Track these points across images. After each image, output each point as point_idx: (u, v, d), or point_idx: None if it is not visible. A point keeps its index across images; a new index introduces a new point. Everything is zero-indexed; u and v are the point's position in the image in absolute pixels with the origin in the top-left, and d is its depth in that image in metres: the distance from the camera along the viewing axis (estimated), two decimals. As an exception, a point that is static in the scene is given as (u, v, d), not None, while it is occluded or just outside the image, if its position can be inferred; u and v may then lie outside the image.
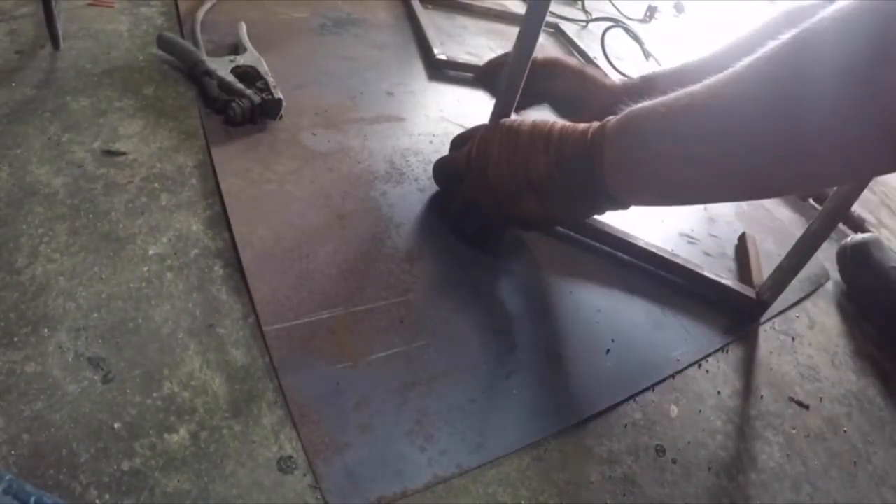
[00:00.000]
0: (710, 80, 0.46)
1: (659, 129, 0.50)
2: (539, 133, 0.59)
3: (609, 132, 0.54)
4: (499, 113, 0.69)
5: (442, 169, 0.71)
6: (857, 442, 0.65)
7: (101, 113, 0.69)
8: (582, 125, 0.57)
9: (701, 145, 0.47)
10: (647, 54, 1.41)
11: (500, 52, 1.16)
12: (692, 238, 0.86)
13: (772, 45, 0.42)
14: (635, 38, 1.45)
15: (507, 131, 0.61)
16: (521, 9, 1.34)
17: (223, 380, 0.48)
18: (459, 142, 0.71)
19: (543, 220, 0.62)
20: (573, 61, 0.85)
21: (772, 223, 0.97)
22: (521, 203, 0.60)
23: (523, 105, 0.87)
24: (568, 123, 0.59)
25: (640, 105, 0.52)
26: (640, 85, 0.79)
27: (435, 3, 1.24)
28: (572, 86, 0.83)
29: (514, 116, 0.66)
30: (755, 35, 0.73)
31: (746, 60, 0.44)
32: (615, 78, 0.87)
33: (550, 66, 0.83)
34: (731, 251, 0.86)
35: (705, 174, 0.49)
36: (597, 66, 1.20)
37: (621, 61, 1.30)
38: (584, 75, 0.83)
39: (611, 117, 0.55)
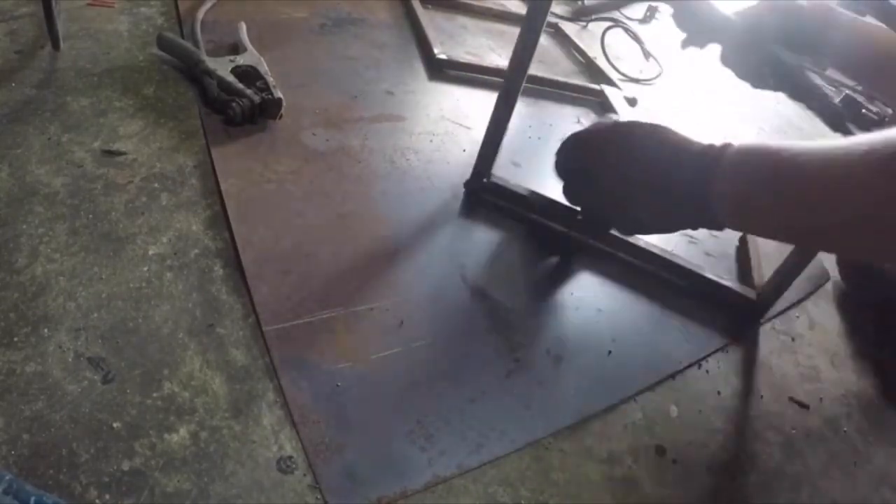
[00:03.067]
0: (826, 148, 0.47)
1: (770, 181, 0.51)
2: (662, 141, 0.57)
3: (726, 164, 0.53)
4: (498, 116, 0.69)
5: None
6: (857, 442, 0.65)
7: (101, 113, 0.69)
8: (697, 143, 0.57)
9: (804, 210, 0.49)
10: (647, 54, 1.41)
11: (500, 51, 1.16)
12: (693, 238, 0.86)
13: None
14: (635, 38, 1.45)
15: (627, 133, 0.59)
16: (521, 9, 1.34)
17: (223, 380, 0.48)
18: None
19: (643, 227, 0.62)
20: None
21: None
22: (630, 204, 0.59)
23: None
24: (681, 136, 0.57)
25: (756, 145, 0.53)
26: None
27: (435, 3, 1.24)
28: None
29: None
30: None
31: (861, 146, 0.45)
32: None
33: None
34: (731, 251, 0.86)
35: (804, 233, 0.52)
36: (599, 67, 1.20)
37: (621, 61, 1.29)
38: None
39: (730, 143, 0.55)
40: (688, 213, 0.57)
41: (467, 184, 0.76)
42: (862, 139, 0.45)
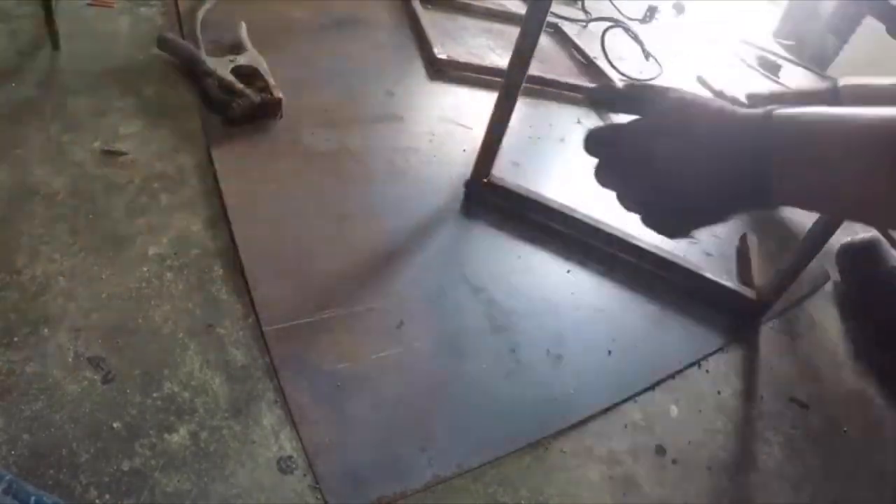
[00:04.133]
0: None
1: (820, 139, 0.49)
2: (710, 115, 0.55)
3: (777, 127, 0.51)
4: (497, 119, 0.68)
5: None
6: (857, 442, 0.65)
7: (101, 113, 0.69)
8: (740, 112, 0.53)
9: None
10: (647, 54, 1.41)
11: (500, 51, 1.16)
12: (693, 238, 0.86)
13: None
14: (635, 38, 1.45)
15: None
16: (522, 9, 1.34)
17: (223, 380, 0.48)
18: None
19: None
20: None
21: (773, 224, 0.97)
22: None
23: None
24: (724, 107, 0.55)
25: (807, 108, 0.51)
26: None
27: (435, 3, 1.24)
28: None
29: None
30: None
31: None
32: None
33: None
34: (731, 251, 0.86)
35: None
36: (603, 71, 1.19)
37: (622, 61, 1.30)
38: None
39: (774, 108, 0.52)
40: (743, 193, 0.53)
41: (467, 184, 0.76)
42: None
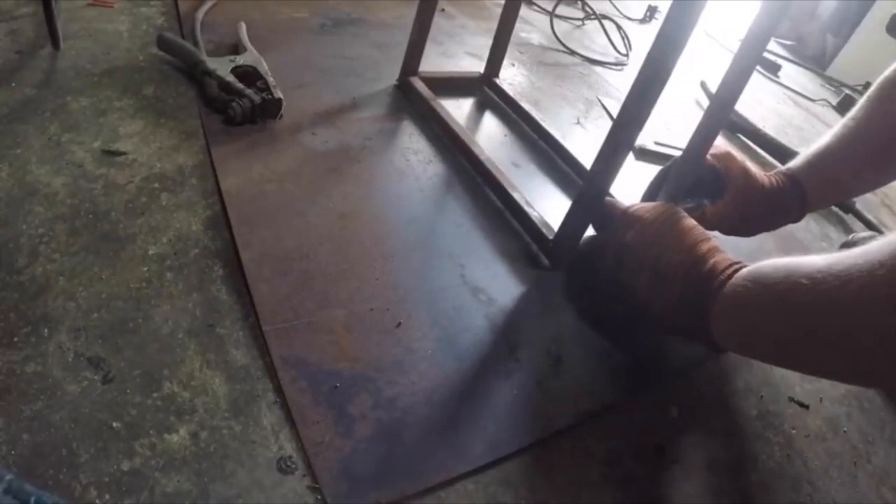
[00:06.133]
0: (826, 283, 0.43)
1: (769, 317, 0.49)
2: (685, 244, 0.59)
3: (725, 294, 0.52)
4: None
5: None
6: (857, 442, 0.65)
7: (101, 113, 0.69)
8: (711, 261, 0.56)
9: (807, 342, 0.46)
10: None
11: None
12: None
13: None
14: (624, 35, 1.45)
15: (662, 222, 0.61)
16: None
17: (223, 380, 0.48)
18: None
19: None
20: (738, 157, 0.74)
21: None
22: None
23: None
24: (703, 249, 0.57)
25: (761, 272, 0.50)
26: (788, 185, 0.73)
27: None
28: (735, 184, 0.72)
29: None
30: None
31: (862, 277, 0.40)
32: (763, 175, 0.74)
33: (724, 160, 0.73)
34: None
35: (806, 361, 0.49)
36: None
37: (620, 58, 1.30)
38: (748, 172, 0.73)
39: (740, 268, 0.53)
40: (690, 329, 0.57)
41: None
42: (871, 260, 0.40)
